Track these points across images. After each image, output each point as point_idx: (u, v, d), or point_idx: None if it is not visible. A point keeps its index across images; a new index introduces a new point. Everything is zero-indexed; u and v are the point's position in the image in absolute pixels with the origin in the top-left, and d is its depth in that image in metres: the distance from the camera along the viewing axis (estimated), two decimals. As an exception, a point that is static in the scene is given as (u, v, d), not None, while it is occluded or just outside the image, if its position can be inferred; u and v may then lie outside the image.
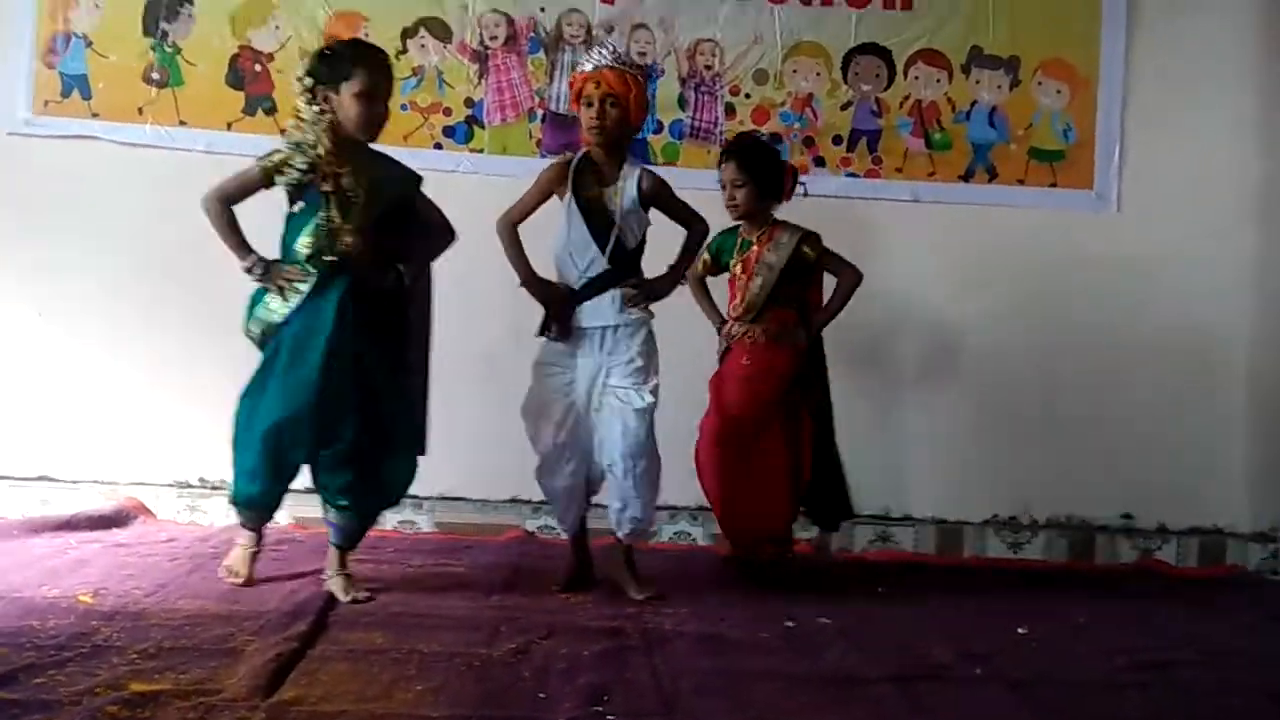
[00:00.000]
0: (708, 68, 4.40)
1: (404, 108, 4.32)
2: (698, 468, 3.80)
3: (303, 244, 3.24)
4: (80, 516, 4.01)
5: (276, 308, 3.25)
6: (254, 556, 3.40)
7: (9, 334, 4.25)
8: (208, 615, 3.01)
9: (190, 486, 4.29)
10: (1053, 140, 4.45)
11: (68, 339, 4.25)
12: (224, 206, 3.27)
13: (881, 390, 4.38)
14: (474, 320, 4.25)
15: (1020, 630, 3.26)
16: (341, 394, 3.21)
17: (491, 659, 2.78)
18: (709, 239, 3.69)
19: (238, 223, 3.28)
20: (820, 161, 4.42)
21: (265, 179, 3.23)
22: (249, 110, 4.32)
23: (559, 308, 3.43)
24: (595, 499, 3.62)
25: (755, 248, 3.77)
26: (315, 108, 3.20)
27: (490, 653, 2.81)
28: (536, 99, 4.39)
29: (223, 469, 4.18)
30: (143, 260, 4.23)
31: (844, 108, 4.43)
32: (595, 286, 3.44)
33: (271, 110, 4.29)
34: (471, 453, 4.28)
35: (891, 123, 4.43)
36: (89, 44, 4.28)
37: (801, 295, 3.81)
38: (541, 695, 2.55)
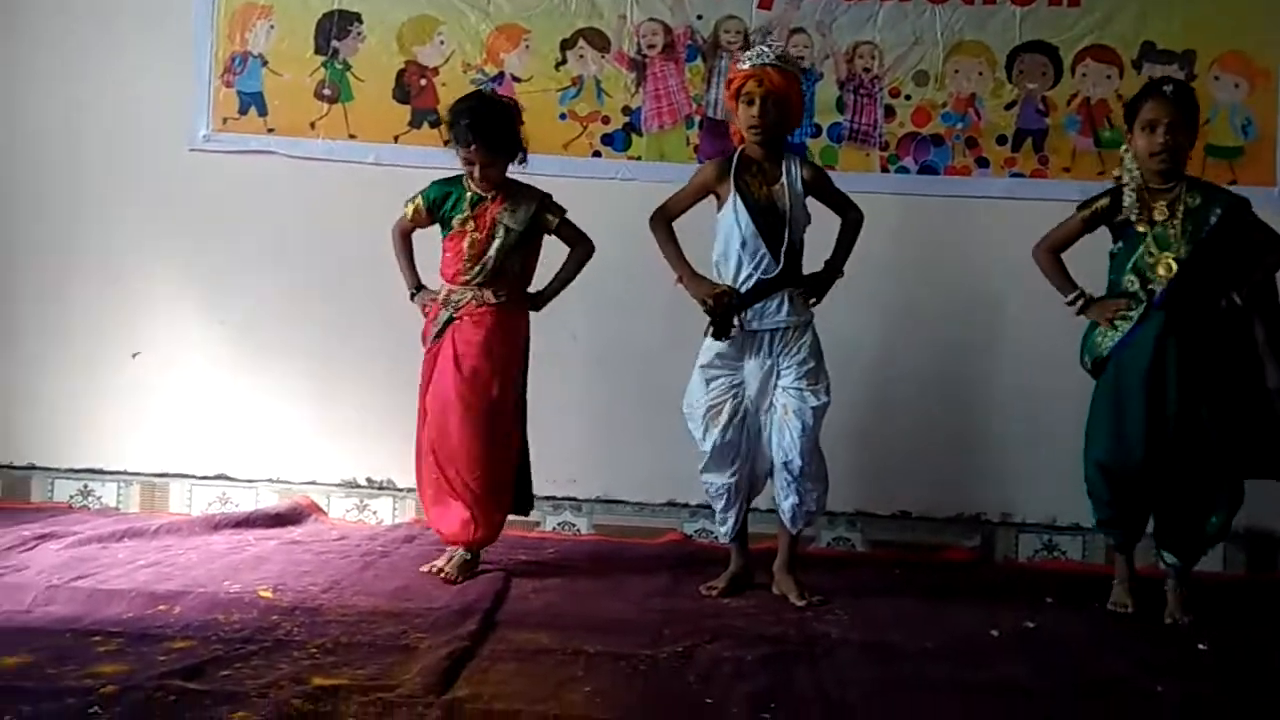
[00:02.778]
0: (866, 70, 4.35)
1: (563, 117, 4.38)
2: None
3: (1127, 279, 3.40)
4: (258, 514, 4.19)
5: (1101, 340, 3.46)
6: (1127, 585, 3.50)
7: (191, 340, 4.44)
8: (380, 612, 3.10)
9: (358, 486, 4.42)
10: (1231, 136, 4.26)
11: (243, 344, 4.43)
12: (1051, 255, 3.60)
13: (1064, 391, 4.24)
14: (632, 322, 4.30)
15: (1200, 646, 3.13)
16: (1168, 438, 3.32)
17: (656, 662, 2.79)
18: (426, 187, 3.65)
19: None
20: (984, 162, 4.32)
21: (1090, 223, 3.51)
22: (415, 123, 4.44)
23: (726, 309, 3.39)
24: (755, 502, 3.62)
25: (489, 205, 3.59)
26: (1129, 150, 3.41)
27: (655, 655, 2.83)
28: (694, 105, 4.40)
29: (388, 470, 4.37)
30: (315, 269, 4.39)
31: (1008, 107, 4.32)
32: (767, 288, 3.41)
33: (437, 123, 4.39)
34: (629, 455, 4.32)
35: (1058, 121, 4.30)
36: (265, 63, 4.46)
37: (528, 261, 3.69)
38: (708, 699, 2.55)
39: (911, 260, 4.30)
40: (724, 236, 3.46)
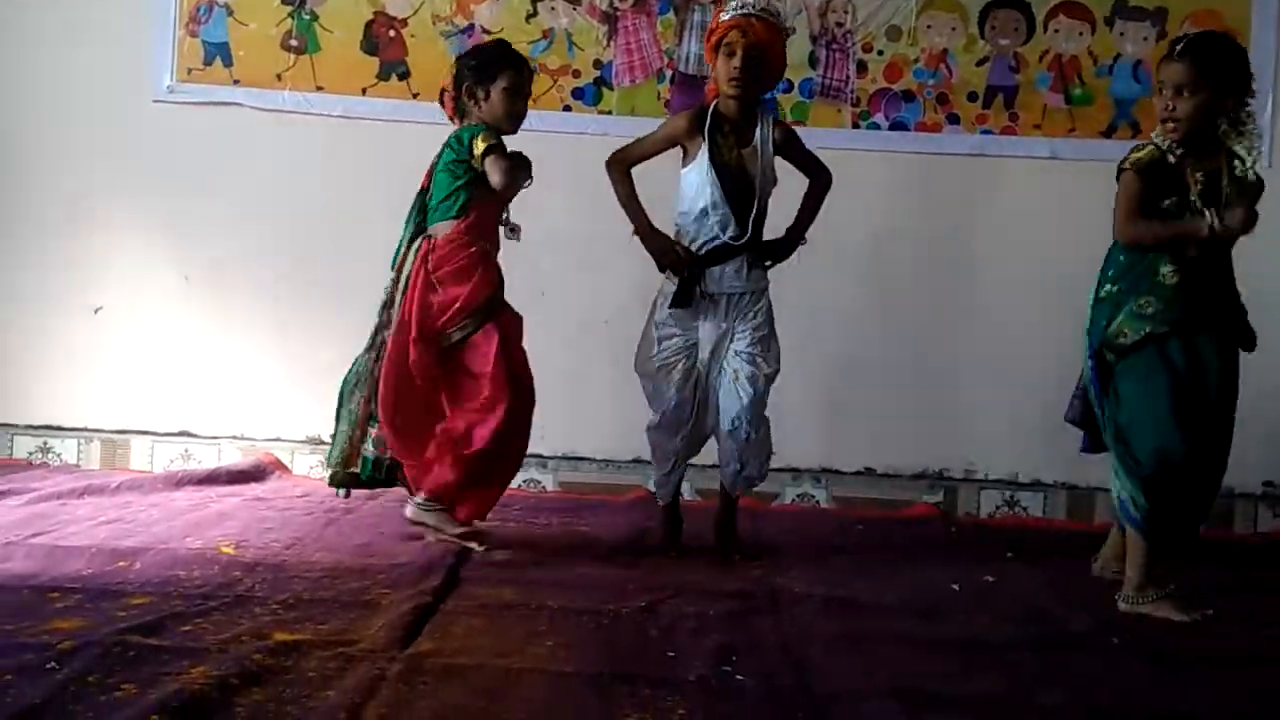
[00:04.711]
0: (839, 25, 4.32)
1: (533, 70, 4.33)
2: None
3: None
4: (221, 471, 4.17)
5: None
6: None
7: (153, 296, 4.39)
8: (344, 568, 3.09)
9: (323, 443, 4.37)
10: (1200, 94, 4.25)
11: (207, 299, 4.39)
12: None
13: (1031, 350, 4.24)
14: (598, 281, 4.28)
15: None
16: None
17: (620, 616, 2.79)
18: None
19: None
20: (955, 119, 4.31)
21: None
22: (383, 75, 4.38)
23: (688, 279, 3.32)
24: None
25: None
26: None
27: (618, 610, 2.83)
28: (665, 60, 4.36)
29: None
30: (282, 223, 4.34)
31: (980, 63, 4.31)
32: (727, 253, 3.33)
33: (405, 75, 4.34)
34: (595, 413, 4.31)
35: (1030, 78, 4.29)
36: (230, 12, 4.38)
37: None
38: (670, 654, 2.56)
39: (881, 217, 4.29)
40: (690, 195, 3.36)
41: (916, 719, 2.20)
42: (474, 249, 3.35)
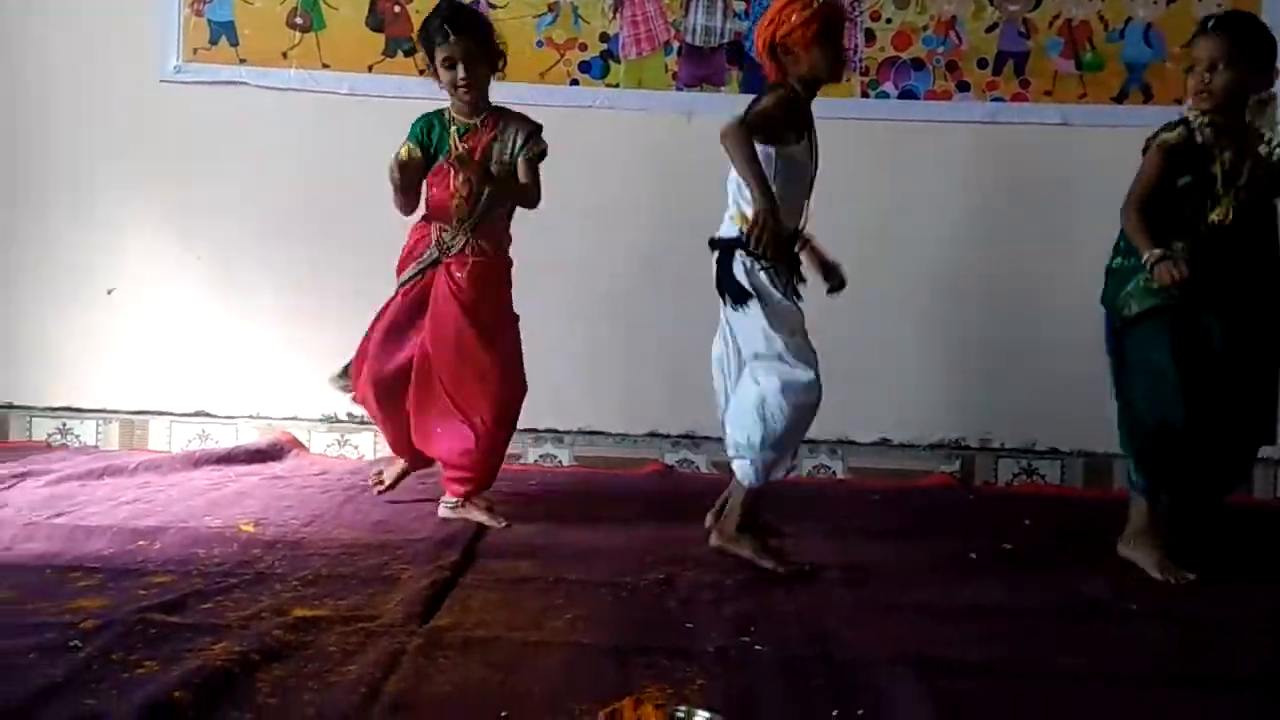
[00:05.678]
0: (846, -7, 4.29)
1: (539, 44, 4.31)
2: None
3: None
4: (239, 450, 4.18)
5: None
6: None
7: (167, 275, 4.40)
8: (362, 545, 3.10)
9: (339, 421, 4.41)
10: (1212, 57, 4.22)
11: (221, 279, 4.39)
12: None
13: (1046, 319, 4.22)
14: (611, 256, 4.27)
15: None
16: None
17: (638, 588, 2.81)
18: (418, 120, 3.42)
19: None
20: (964, 86, 4.27)
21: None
22: (389, 52, 4.36)
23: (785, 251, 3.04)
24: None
25: (481, 134, 3.39)
26: None
27: (636, 582, 2.84)
28: (672, 32, 4.33)
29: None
30: (292, 201, 4.33)
31: (989, 30, 4.27)
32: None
33: (411, 52, 4.30)
34: (611, 388, 4.32)
35: (1040, 44, 4.26)
36: (235, -10, 4.38)
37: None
38: (689, 625, 2.57)
39: (891, 186, 4.27)
40: (786, 176, 3.01)
41: (934, 685, 2.21)
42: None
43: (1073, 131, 4.23)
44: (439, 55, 3.35)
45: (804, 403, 3.04)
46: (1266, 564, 3.21)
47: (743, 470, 3.09)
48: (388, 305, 3.50)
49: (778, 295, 3.03)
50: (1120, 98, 4.25)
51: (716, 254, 3.09)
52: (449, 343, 3.39)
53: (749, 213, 2.88)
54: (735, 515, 3.12)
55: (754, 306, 3.02)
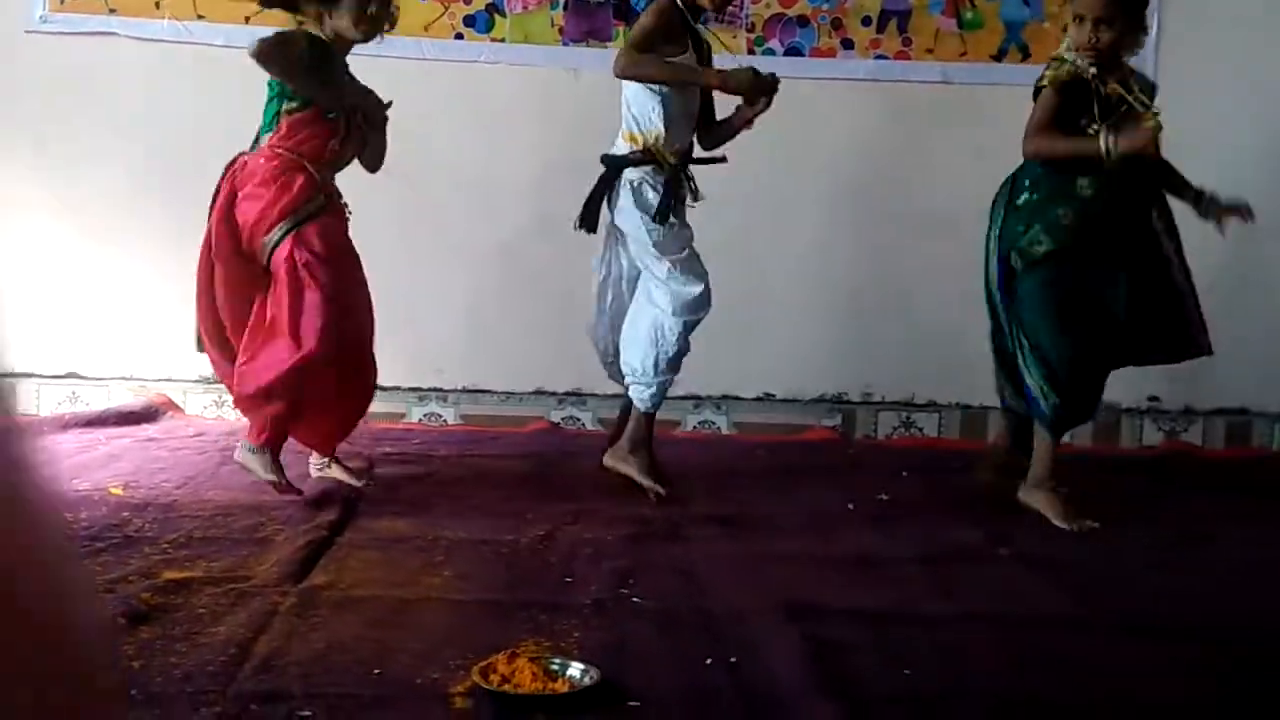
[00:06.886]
0: (731, -51, 4.27)
1: (423, -3, 4.23)
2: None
3: None
4: (110, 412, 4.06)
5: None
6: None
7: (32, 232, 4.24)
8: (237, 506, 3.04)
9: (217, 382, 4.29)
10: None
11: (91, 236, 4.25)
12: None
13: (925, 275, 4.29)
14: (497, 210, 4.22)
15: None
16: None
17: (518, 545, 2.80)
18: None
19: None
20: (849, 44, 4.30)
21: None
22: (267, 3, 4.22)
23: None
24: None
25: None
26: None
27: (517, 539, 2.84)
28: (558, -16, 4.28)
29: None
30: (164, 155, 4.19)
31: (873, -12, 4.31)
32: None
33: (292, 7, 4.19)
34: (495, 345, 4.28)
35: (922, 2, 4.30)
36: (102, -64, 4.20)
37: None
38: (568, 579, 2.57)
39: (776, 144, 4.28)
40: (670, 97, 3.13)
41: (806, 631, 2.25)
42: (277, 161, 3.18)
43: (953, 89, 4.28)
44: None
45: (695, 319, 3.19)
46: (1132, 511, 3.32)
47: (639, 395, 3.22)
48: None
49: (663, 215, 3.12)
50: (999, 56, 4.31)
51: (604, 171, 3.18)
52: None
53: (638, 133, 3.04)
54: (630, 436, 3.24)
55: (643, 224, 3.13)
